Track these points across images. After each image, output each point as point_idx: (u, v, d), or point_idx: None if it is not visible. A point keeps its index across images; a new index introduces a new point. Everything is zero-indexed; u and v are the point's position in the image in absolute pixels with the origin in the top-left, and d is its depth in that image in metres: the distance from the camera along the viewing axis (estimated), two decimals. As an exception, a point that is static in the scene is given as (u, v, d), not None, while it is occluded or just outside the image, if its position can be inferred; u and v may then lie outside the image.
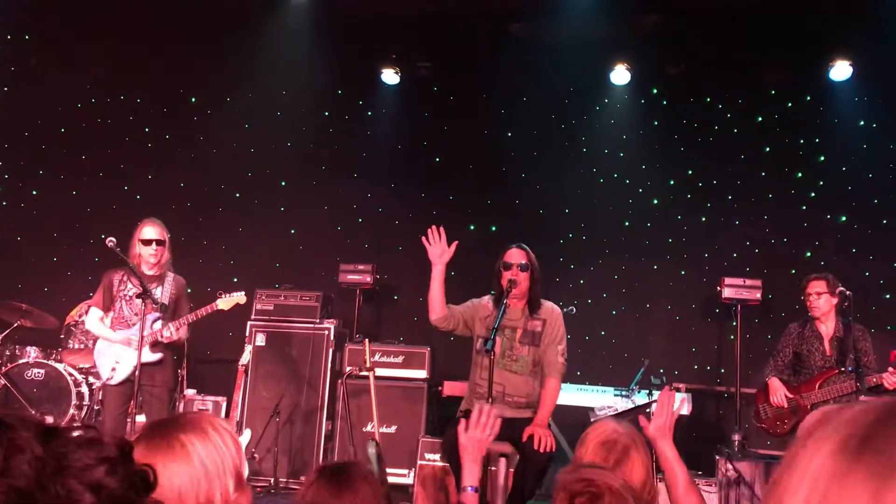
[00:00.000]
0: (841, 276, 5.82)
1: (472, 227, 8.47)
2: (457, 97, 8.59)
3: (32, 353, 6.99)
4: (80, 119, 8.68)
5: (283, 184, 8.61)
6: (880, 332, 6.94)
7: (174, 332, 5.40)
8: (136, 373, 5.13)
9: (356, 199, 8.52)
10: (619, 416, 5.28)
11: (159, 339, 5.38)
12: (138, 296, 5.11)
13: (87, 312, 6.49)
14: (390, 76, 8.37)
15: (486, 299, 4.80)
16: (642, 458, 2.32)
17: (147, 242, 5.49)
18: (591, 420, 5.46)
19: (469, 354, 5.03)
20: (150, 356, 5.38)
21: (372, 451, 5.26)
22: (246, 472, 1.69)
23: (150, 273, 5.54)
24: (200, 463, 1.61)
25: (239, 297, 5.62)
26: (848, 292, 5.37)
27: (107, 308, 5.56)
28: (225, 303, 5.56)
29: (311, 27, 8.21)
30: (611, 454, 2.30)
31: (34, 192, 8.66)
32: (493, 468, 4.24)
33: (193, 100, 8.72)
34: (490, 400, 4.22)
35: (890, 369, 5.32)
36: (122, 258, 5.26)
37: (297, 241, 8.51)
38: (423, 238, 4.65)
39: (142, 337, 5.07)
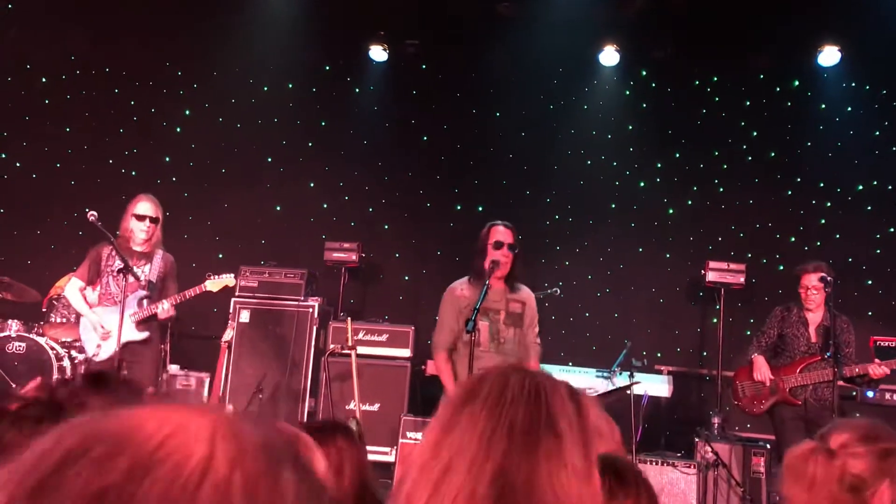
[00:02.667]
0: (823, 261, 5.85)
1: (458, 207, 8.47)
2: (445, 76, 8.54)
3: (14, 326, 6.93)
4: (64, 91, 8.57)
5: (269, 160, 8.56)
6: (861, 318, 7.01)
7: (169, 307, 5.36)
8: (119, 349, 5.08)
9: (342, 177, 8.48)
10: (600, 397, 5.30)
11: (157, 313, 5.33)
12: (119, 271, 5.06)
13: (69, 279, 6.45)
14: (378, 53, 8.31)
15: (460, 286, 4.72)
16: (596, 411, 2.34)
17: (141, 218, 5.44)
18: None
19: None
20: (136, 334, 5.34)
21: (353, 428, 5.26)
22: None
23: (139, 249, 5.48)
24: None
25: (228, 280, 5.58)
26: (829, 277, 5.40)
27: (90, 281, 5.50)
28: (214, 284, 5.52)
29: (299, 2, 8.13)
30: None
31: (17, 165, 8.58)
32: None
33: (179, 73, 8.63)
34: None
35: (876, 360, 5.36)
36: (104, 232, 5.20)
37: (282, 218, 8.47)
38: None
39: (122, 312, 5.03)
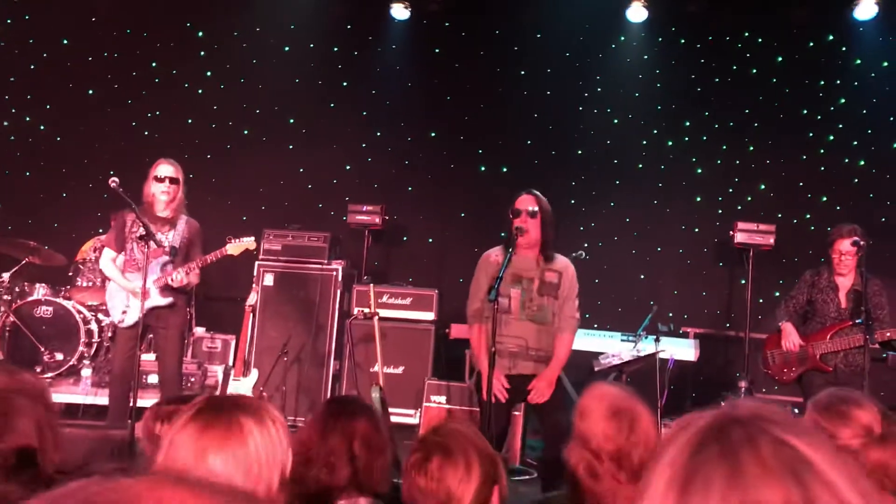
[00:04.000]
0: (856, 222, 5.70)
1: (482, 168, 8.37)
2: (468, 34, 8.38)
3: (41, 290, 7.01)
4: (86, 53, 8.54)
5: (291, 121, 8.49)
6: (894, 278, 6.86)
7: (184, 276, 5.34)
8: (142, 315, 5.09)
9: (365, 138, 8.40)
10: (624, 366, 5.24)
11: (169, 282, 5.33)
12: (140, 237, 5.04)
13: (100, 249, 6.47)
14: (400, 11, 8.16)
15: (495, 252, 4.62)
16: (650, 418, 2.28)
17: (160, 180, 5.40)
18: (595, 369, 5.44)
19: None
20: (160, 300, 5.35)
21: (375, 395, 5.27)
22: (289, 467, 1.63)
23: (163, 214, 5.45)
24: (255, 451, 1.55)
25: (249, 243, 5.54)
26: (861, 242, 5.26)
27: (119, 248, 5.49)
28: (234, 248, 5.49)
29: (320, -40, 7.99)
30: (622, 422, 2.25)
31: (42, 128, 8.59)
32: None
33: (200, 34, 8.55)
34: (494, 350, 4.17)
35: None
36: (125, 198, 5.18)
37: (305, 180, 8.42)
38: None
39: (144, 278, 5.02)
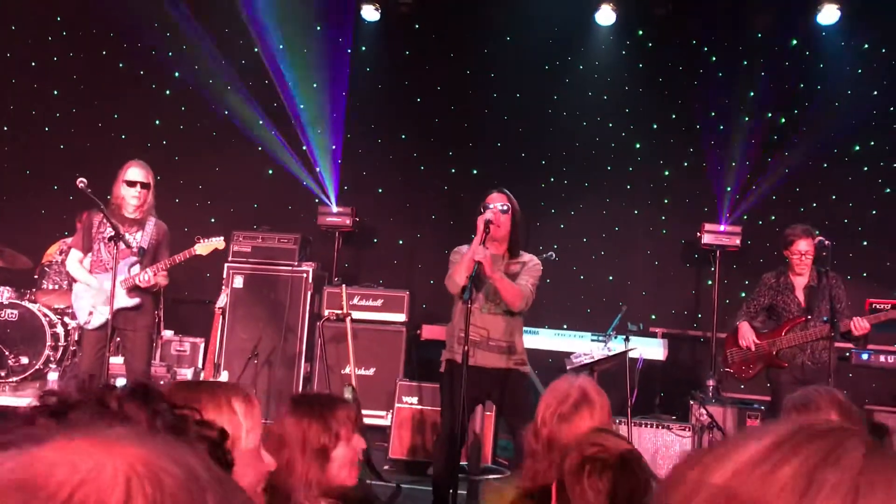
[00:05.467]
0: (819, 223, 5.82)
1: (452, 171, 8.39)
2: (439, 36, 8.40)
3: (6, 293, 6.89)
4: (52, 53, 8.42)
5: (261, 122, 8.44)
6: (857, 279, 7.00)
7: (151, 276, 5.29)
8: (111, 317, 5.04)
9: (335, 140, 8.38)
10: (595, 364, 5.30)
11: (137, 283, 5.27)
12: (110, 238, 4.99)
13: (66, 251, 6.39)
14: (370, 12, 8.15)
15: (466, 247, 4.67)
16: (592, 410, 2.36)
17: (132, 184, 5.34)
18: (567, 368, 5.49)
19: (447, 299, 4.98)
20: (127, 301, 5.29)
21: (348, 395, 5.27)
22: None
23: (132, 216, 5.40)
24: (242, 426, 1.60)
25: (217, 243, 5.51)
26: (826, 242, 5.36)
27: (86, 249, 5.43)
28: (203, 248, 5.45)
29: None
30: (563, 405, 2.35)
31: (5, 128, 8.46)
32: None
33: (168, 34, 8.47)
34: (468, 348, 4.20)
35: (855, 318, 5.30)
36: (94, 199, 5.12)
37: (275, 181, 8.38)
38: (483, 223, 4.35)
39: (114, 280, 4.97)
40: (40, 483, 0.51)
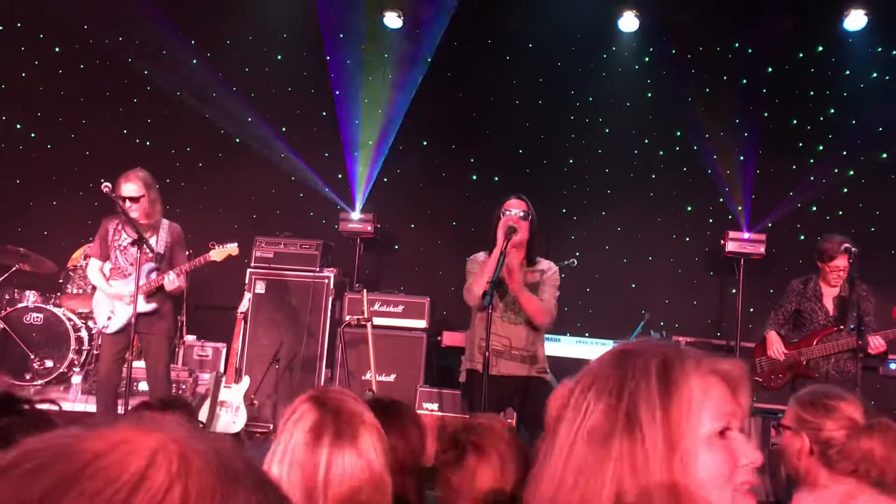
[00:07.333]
0: (846, 231, 5.72)
1: (474, 178, 8.39)
2: (461, 43, 8.41)
3: (31, 297, 6.97)
4: (78, 61, 8.52)
5: (284, 129, 8.49)
6: (884, 288, 6.89)
7: (175, 278, 5.33)
8: (133, 321, 5.07)
9: (358, 147, 8.41)
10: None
11: (164, 285, 5.30)
12: (133, 243, 5.03)
13: (87, 258, 6.45)
14: (393, 20, 8.18)
15: (482, 255, 4.65)
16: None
17: (124, 200, 5.37)
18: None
19: (468, 306, 4.95)
20: (144, 306, 5.32)
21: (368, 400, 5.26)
22: None
23: (143, 222, 5.44)
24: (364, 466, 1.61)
25: (232, 249, 5.54)
26: (854, 249, 5.28)
27: (104, 257, 5.49)
28: (217, 254, 5.48)
29: (313, -32, 8.01)
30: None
31: (32, 135, 8.56)
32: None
33: (192, 42, 8.55)
34: (489, 355, 4.19)
35: (870, 337, 5.19)
36: (119, 203, 5.17)
37: (297, 188, 8.42)
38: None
39: (137, 284, 5.01)
40: (73, 449, 0.55)
